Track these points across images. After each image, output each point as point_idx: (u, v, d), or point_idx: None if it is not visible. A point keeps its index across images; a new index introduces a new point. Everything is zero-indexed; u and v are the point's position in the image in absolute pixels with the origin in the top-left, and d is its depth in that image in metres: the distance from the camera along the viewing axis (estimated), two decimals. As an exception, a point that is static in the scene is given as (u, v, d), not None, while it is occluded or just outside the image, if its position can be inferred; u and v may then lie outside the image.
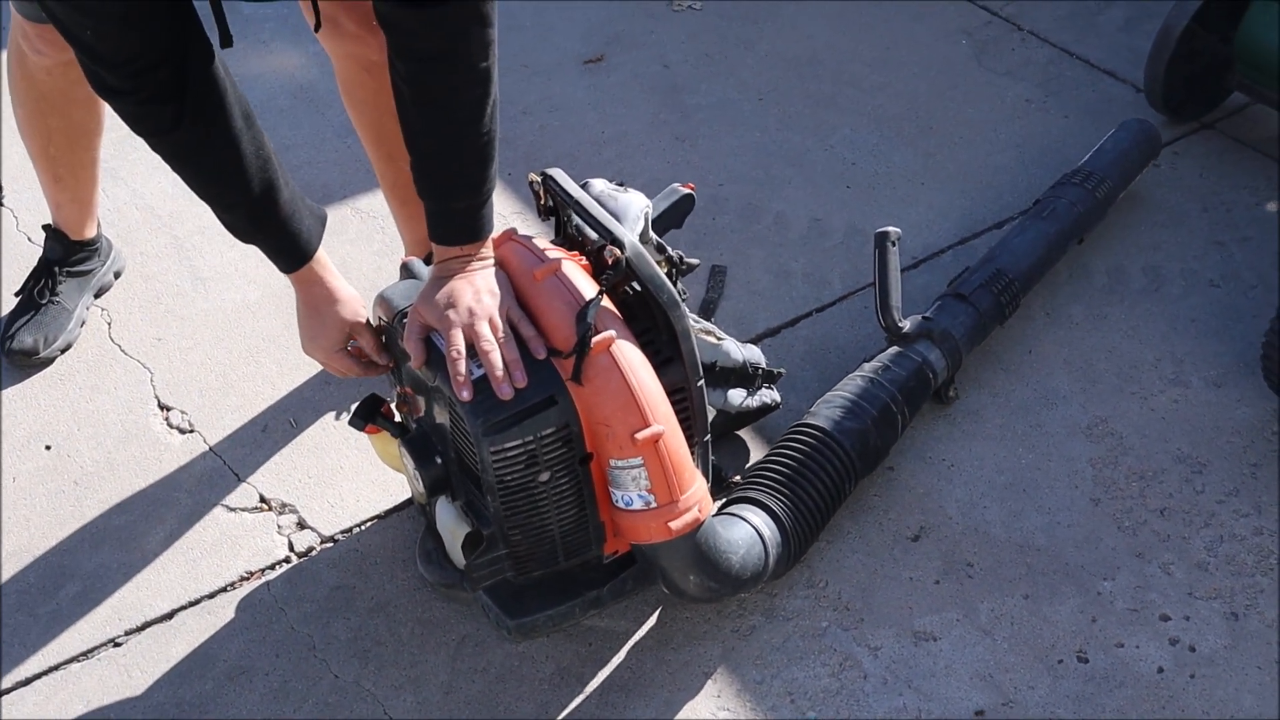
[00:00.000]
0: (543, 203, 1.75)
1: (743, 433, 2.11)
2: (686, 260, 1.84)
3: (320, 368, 2.25)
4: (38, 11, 1.97)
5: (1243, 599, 1.86)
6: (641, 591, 1.84)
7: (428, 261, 2.21)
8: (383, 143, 2.10)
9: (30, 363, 2.26)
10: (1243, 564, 1.91)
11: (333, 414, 2.18)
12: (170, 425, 2.17)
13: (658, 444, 1.57)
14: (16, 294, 2.33)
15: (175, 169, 1.61)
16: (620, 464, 1.59)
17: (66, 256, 2.33)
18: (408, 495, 2.03)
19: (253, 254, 2.48)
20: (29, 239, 2.54)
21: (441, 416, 1.68)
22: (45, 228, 2.34)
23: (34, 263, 2.36)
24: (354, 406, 1.78)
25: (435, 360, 1.61)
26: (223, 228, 1.70)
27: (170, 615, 1.89)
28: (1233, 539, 1.94)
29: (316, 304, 1.75)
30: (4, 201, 2.62)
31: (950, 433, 2.12)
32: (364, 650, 1.84)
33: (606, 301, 1.62)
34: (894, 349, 2.10)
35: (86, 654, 1.84)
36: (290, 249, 1.71)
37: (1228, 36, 2.59)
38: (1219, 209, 2.56)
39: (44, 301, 2.29)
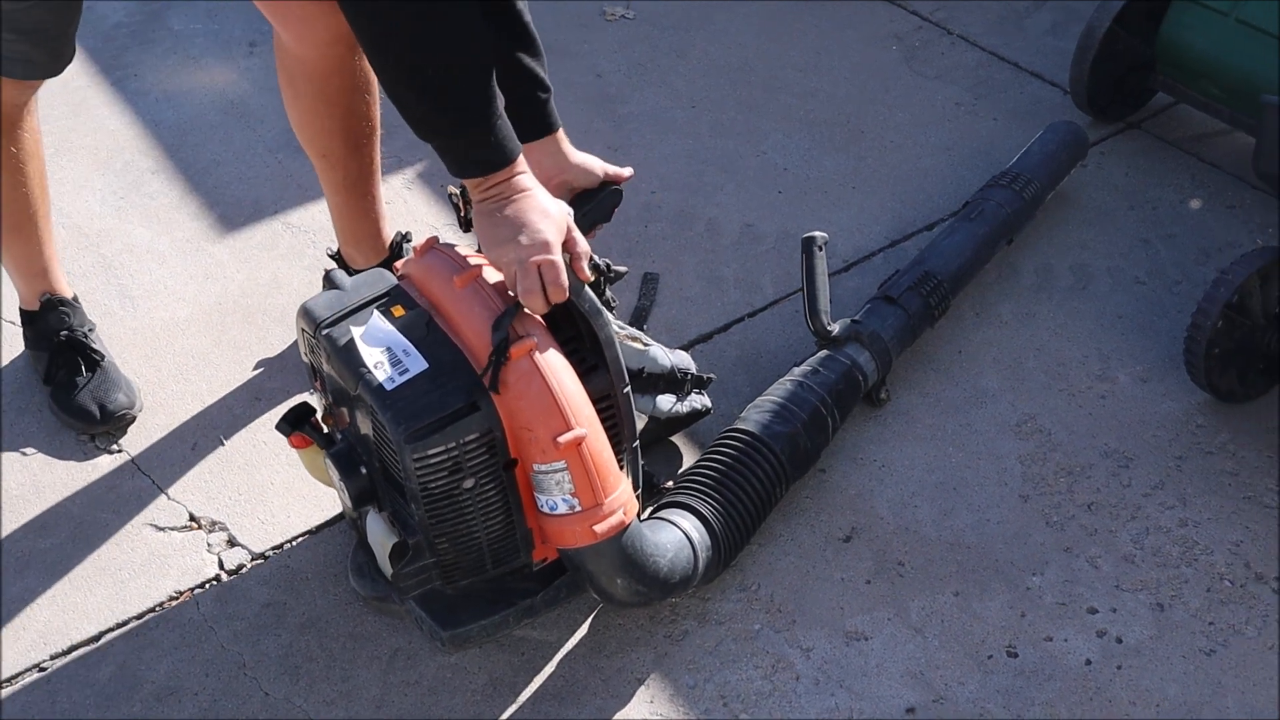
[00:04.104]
0: (463, 215, 1.74)
1: (676, 439, 2.11)
2: (614, 268, 1.84)
3: (248, 381, 2.25)
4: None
5: (1168, 590, 1.88)
6: (575, 599, 1.84)
7: (351, 271, 2.21)
8: (350, 133, 2.08)
9: (125, 423, 2.14)
10: (1168, 555, 1.93)
11: (263, 430, 2.16)
12: (97, 446, 2.14)
13: (580, 447, 1.57)
14: (47, 382, 2.18)
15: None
16: (543, 468, 1.59)
17: (74, 316, 2.20)
18: (339, 510, 2.01)
19: (182, 272, 2.49)
20: None
21: (365, 427, 1.67)
22: (45, 302, 2.19)
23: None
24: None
25: (353, 368, 1.61)
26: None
27: (97, 638, 1.86)
28: (1158, 531, 1.97)
29: (536, 184, 1.64)
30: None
31: (881, 434, 2.13)
32: (295, 667, 1.82)
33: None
34: (823, 352, 2.11)
35: (10, 680, 1.81)
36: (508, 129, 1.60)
37: (1149, 38, 2.63)
38: (1145, 207, 2.59)
39: (100, 361, 2.16)
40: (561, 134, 1.84)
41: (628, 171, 1.89)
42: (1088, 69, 2.66)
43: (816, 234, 2.10)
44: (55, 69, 1.98)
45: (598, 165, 1.87)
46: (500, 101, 1.56)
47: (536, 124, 1.82)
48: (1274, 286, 2.08)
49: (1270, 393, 2.18)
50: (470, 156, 1.57)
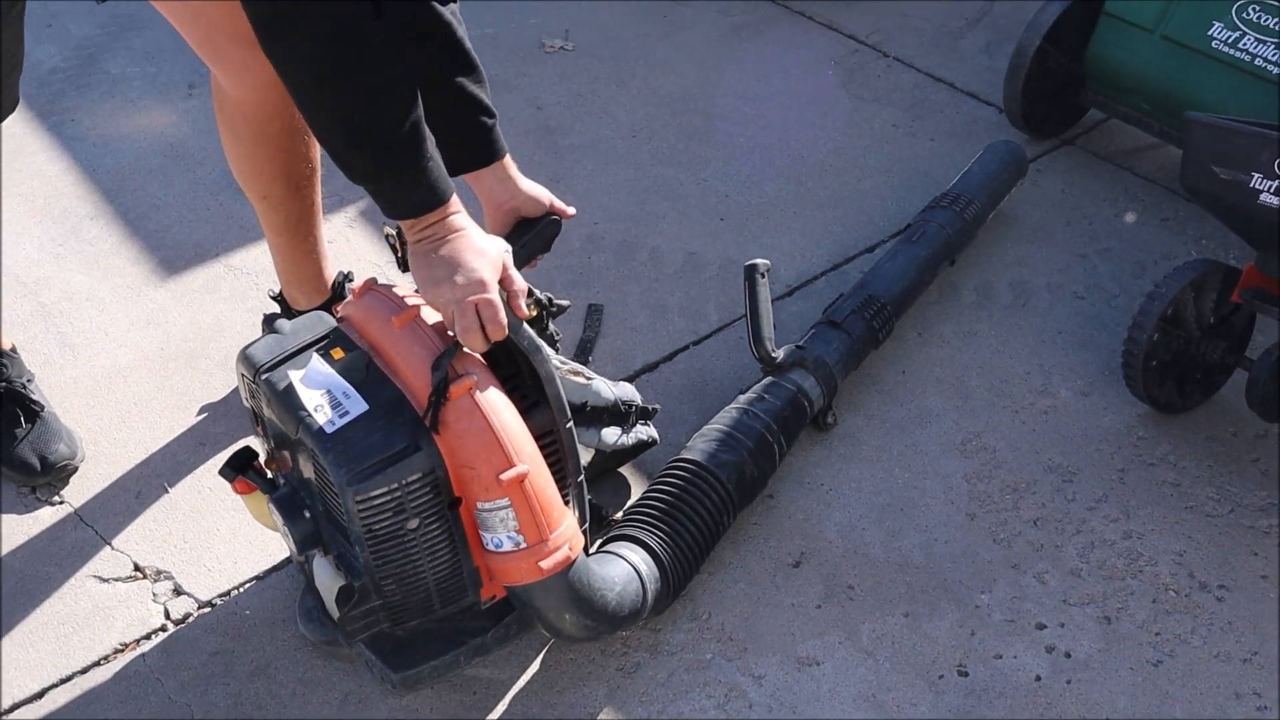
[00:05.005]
0: (399, 255, 1.74)
1: (624, 470, 2.11)
2: (556, 302, 1.85)
3: (192, 426, 2.22)
4: None
5: (1114, 602, 1.90)
6: (526, 636, 1.83)
7: (294, 312, 2.20)
8: (290, 175, 2.07)
9: (66, 474, 2.12)
10: (1114, 568, 1.95)
11: (208, 477, 2.14)
12: (38, 498, 2.11)
13: (523, 484, 1.57)
14: None
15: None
16: (487, 506, 1.58)
17: (12, 367, 2.17)
18: (286, 554, 1.99)
19: (123, 318, 2.47)
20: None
21: (307, 470, 1.66)
22: None
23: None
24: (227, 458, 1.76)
25: (294, 411, 1.60)
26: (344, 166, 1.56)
27: (41, 694, 1.83)
28: (1103, 544, 1.99)
29: (470, 223, 1.64)
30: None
31: (828, 457, 2.14)
32: (244, 715, 1.80)
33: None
34: (768, 379, 2.12)
35: (-47, 740, 1.78)
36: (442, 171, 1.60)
37: (1078, 56, 2.67)
38: (1081, 222, 2.63)
39: (39, 411, 2.14)
40: (509, 160, 1.84)
41: (572, 210, 1.89)
42: (1020, 87, 2.70)
43: (759, 261, 2.11)
44: None
45: (545, 196, 1.87)
46: (431, 142, 1.56)
47: (483, 150, 1.81)
48: (1207, 298, 2.11)
49: (1208, 402, 2.22)
50: (402, 199, 1.57)
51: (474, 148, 1.80)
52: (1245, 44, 2.39)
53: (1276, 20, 2.36)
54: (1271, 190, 1.88)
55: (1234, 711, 1.77)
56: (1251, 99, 2.38)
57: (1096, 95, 2.70)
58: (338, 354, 1.67)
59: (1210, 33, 2.44)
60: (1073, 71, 2.71)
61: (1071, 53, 2.68)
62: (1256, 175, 1.89)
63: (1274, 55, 2.36)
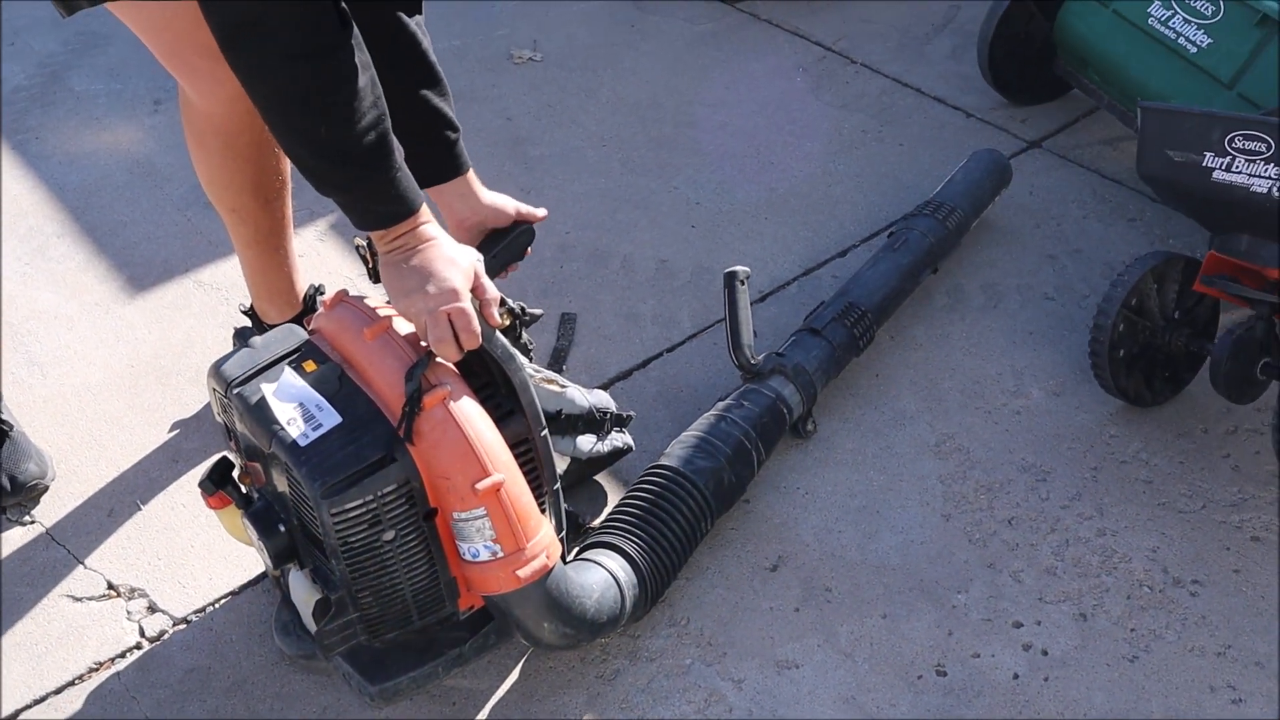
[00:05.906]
0: (370, 266, 1.74)
1: (600, 478, 2.11)
2: (529, 311, 1.84)
3: (165, 443, 2.21)
4: None
5: (1090, 599, 1.91)
6: (505, 645, 1.82)
7: (265, 326, 2.18)
8: (260, 188, 2.06)
9: (37, 493, 2.11)
10: (1088, 565, 1.96)
11: (182, 493, 2.13)
12: (9, 518, 2.09)
13: (499, 493, 1.57)
14: None
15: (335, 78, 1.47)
16: (463, 516, 1.58)
17: None
18: (261, 570, 1.98)
19: (92, 336, 2.45)
20: None
21: (281, 484, 1.66)
22: None
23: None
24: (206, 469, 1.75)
25: (266, 425, 1.59)
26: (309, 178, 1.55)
27: (14, 716, 1.81)
28: (1078, 542, 2.00)
29: (441, 233, 1.64)
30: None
31: (804, 461, 2.14)
32: (222, 732, 1.79)
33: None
34: (747, 386, 2.12)
35: (-74, 765, 1.76)
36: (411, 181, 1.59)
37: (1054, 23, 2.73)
38: (1050, 224, 2.65)
39: (8, 431, 2.11)
40: (472, 175, 1.84)
41: (541, 212, 1.89)
42: (992, 32, 2.76)
43: (738, 269, 2.11)
44: None
45: (510, 205, 1.86)
46: (400, 153, 1.56)
47: (446, 165, 1.81)
48: (1170, 289, 2.13)
49: (1179, 399, 2.23)
50: (371, 210, 1.56)
51: (437, 162, 1.79)
52: (1174, 23, 2.46)
53: (1204, 3, 2.42)
54: (1223, 167, 1.91)
55: (1209, 705, 1.78)
56: (1171, 78, 2.45)
57: (1065, 66, 2.76)
58: (310, 367, 1.66)
59: (1149, 9, 2.51)
60: (1049, 40, 2.76)
61: (1049, 17, 2.75)
62: (1208, 154, 1.92)
63: (1195, 36, 2.43)
